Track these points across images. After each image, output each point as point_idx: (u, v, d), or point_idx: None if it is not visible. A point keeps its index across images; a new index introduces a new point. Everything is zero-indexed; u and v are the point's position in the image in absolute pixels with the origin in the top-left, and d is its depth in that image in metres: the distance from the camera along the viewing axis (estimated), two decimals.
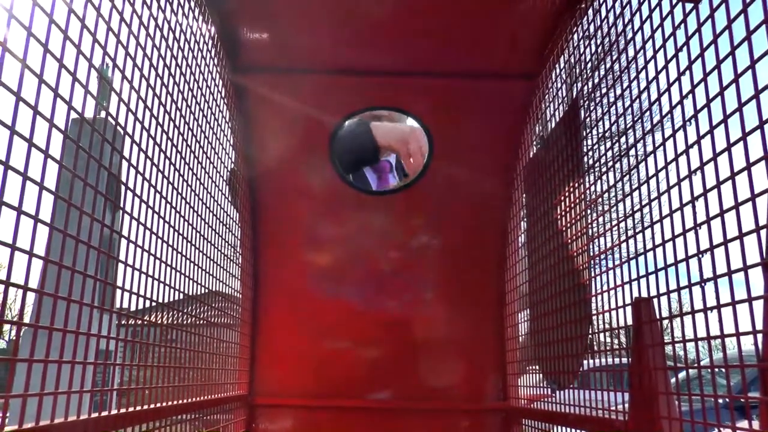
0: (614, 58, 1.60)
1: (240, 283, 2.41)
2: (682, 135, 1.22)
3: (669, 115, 1.26)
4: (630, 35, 1.47)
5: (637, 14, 1.44)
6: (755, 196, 0.99)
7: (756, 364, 0.99)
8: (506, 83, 2.43)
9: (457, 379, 2.55)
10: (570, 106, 1.98)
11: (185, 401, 1.71)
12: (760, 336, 0.99)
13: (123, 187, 1.31)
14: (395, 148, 2.65)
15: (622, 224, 1.55)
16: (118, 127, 1.26)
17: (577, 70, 1.93)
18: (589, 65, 1.82)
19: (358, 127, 2.61)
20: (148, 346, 1.49)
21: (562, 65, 2.10)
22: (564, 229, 1.93)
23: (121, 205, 1.30)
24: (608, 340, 1.74)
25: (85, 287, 1.14)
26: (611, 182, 1.62)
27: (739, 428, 1.02)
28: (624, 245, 1.53)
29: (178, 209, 1.63)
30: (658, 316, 1.38)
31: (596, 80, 1.76)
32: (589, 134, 1.79)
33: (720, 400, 1.15)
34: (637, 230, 1.42)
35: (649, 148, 1.36)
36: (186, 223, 1.71)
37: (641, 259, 1.39)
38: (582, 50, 1.87)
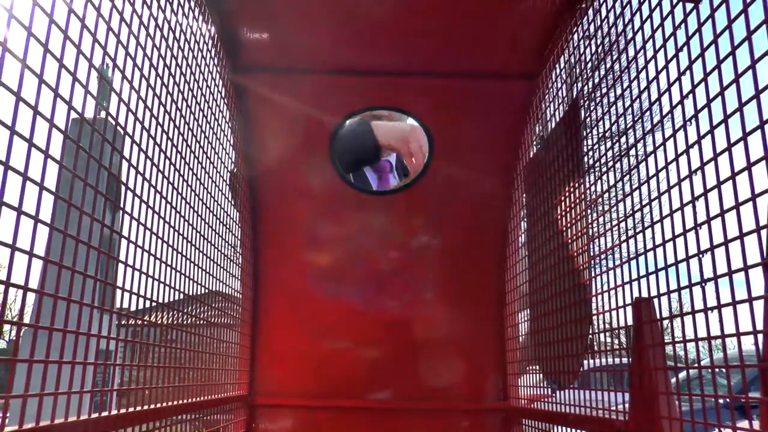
0: (614, 58, 1.60)
1: (240, 283, 2.41)
2: (682, 135, 1.22)
3: (669, 115, 1.26)
4: (630, 35, 1.47)
5: (638, 14, 1.44)
6: (756, 196, 0.99)
7: (756, 365, 0.98)
8: (506, 83, 2.43)
9: (458, 379, 2.55)
10: (570, 106, 1.98)
11: (185, 401, 1.71)
12: (760, 336, 0.99)
13: (123, 188, 1.31)
14: (396, 147, 2.65)
15: (623, 224, 1.55)
16: (118, 127, 1.26)
17: (578, 70, 1.93)
18: (590, 65, 1.82)
19: (359, 127, 2.61)
20: (148, 346, 1.48)
21: (562, 65, 2.10)
22: (564, 229, 1.93)
23: (121, 206, 1.30)
24: (608, 340, 1.74)
25: (85, 287, 1.13)
26: (611, 182, 1.62)
27: (740, 428, 1.02)
28: (624, 245, 1.53)
29: (178, 209, 1.63)
30: (658, 316, 1.38)
31: (596, 80, 1.76)
32: (590, 134, 1.79)
33: (720, 400, 1.15)
34: (637, 230, 1.42)
35: (650, 148, 1.36)
36: (186, 223, 1.71)
37: (641, 259, 1.39)
38: (582, 50, 1.87)
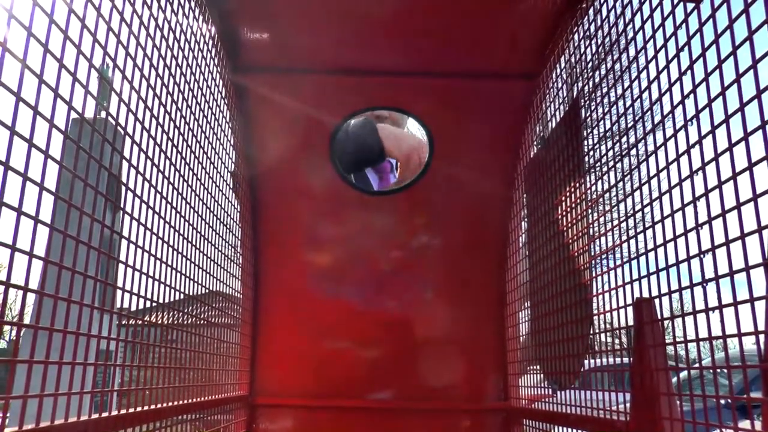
0: (615, 57, 1.60)
1: (240, 283, 2.41)
2: (683, 135, 1.21)
3: (670, 115, 1.26)
4: (631, 35, 1.47)
5: (638, 14, 1.44)
6: (757, 196, 0.98)
7: (757, 365, 0.98)
8: (507, 83, 2.43)
9: (458, 379, 2.55)
10: (571, 105, 1.98)
11: (186, 402, 1.71)
12: (762, 336, 0.99)
13: (123, 188, 1.31)
14: (396, 157, 2.66)
15: (624, 224, 1.55)
16: (119, 128, 1.26)
17: (578, 70, 1.92)
18: (590, 65, 1.82)
19: (363, 128, 2.60)
20: (149, 346, 1.48)
21: (562, 65, 2.10)
22: (565, 229, 1.93)
23: (122, 206, 1.30)
24: (609, 340, 1.73)
25: (86, 288, 1.13)
26: (612, 182, 1.62)
27: (741, 429, 1.02)
28: (625, 245, 1.53)
29: (178, 209, 1.63)
30: (659, 317, 1.38)
31: (597, 80, 1.76)
32: (590, 134, 1.79)
33: (722, 401, 1.15)
34: (638, 230, 1.42)
35: (651, 148, 1.35)
36: (186, 224, 1.71)
37: (642, 259, 1.39)
38: (583, 50, 1.86)
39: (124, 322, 1.33)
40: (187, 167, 1.70)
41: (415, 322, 2.58)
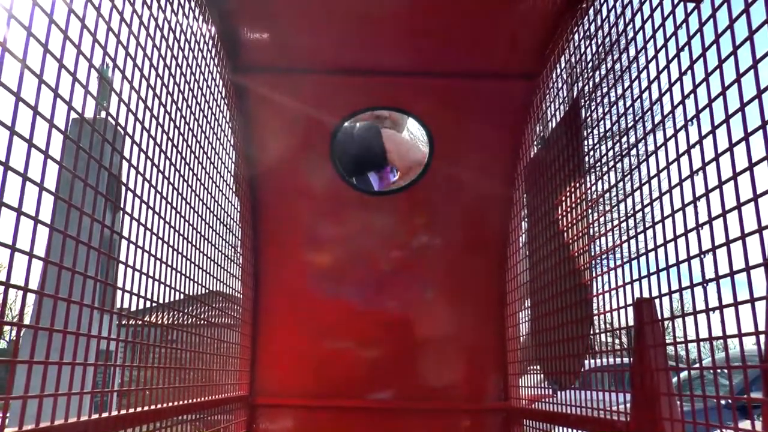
0: (615, 57, 1.59)
1: (240, 283, 2.40)
2: (683, 135, 1.21)
3: (670, 115, 1.26)
4: (631, 35, 1.47)
5: (639, 14, 1.44)
6: (757, 197, 0.98)
7: (758, 365, 0.98)
8: (507, 83, 2.43)
9: (458, 379, 2.55)
10: (571, 105, 1.98)
11: (186, 402, 1.71)
12: (762, 336, 0.99)
13: (123, 188, 1.30)
14: (397, 166, 2.68)
15: (624, 224, 1.55)
16: (119, 128, 1.26)
17: (578, 70, 1.92)
18: (590, 65, 1.81)
19: (369, 131, 2.62)
20: (149, 346, 1.48)
21: (562, 65, 2.10)
22: (565, 229, 1.93)
23: (122, 206, 1.30)
24: (610, 340, 1.73)
25: (86, 288, 1.13)
26: (612, 182, 1.62)
27: (741, 429, 1.02)
28: (625, 245, 1.52)
29: (178, 210, 1.63)
30: (659, 317, 1.38)
31: (597, 80, 1.76)
32: (590, 134, 1.79)
33: (722, 401, 1.15)
34: (638, 230, 1.42)
35: (651, 148, 1.35)
36: (186, 224, 1.71)
37: (643, 259, 1.39)
38: (583, 50, 1.86)
39: (124, 323, 1.33)
40: (187, 167, 1.70)
41: (415, 322, 2.58)
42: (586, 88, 1.85)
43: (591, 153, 1.78)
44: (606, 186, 1.65)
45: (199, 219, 1.83)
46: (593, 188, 1.75)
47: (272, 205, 2.60)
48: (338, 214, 2.61)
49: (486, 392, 2.57)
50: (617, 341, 1.68)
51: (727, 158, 1.06)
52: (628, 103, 1.52)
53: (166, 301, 1.56)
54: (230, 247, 2.22)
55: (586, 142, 1.82)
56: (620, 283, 1.52)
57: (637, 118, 1.47)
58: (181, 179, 1.66)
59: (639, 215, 1.45)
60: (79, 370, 1.13)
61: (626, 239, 1.51)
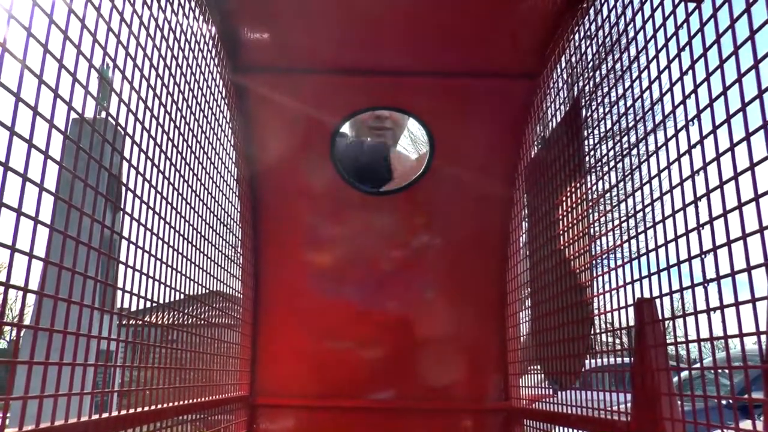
0: (616, 57, 1.59)
1: (241, 284, 2.40)
2: (684, 135, 1.21)
3: (671, 115, 1.26)
4: (632, 35, 1.47)
5: (639, 14, 1.43)
6: (758, 197, 0.98)
7: (759, 365, 0.98)
8: (507, 83, 2.42)
9: (459, 379, 2.55)
10: (571, 105, 1.98)
11: (186, 402, 1.71)
12: (763, 336, 0.99)
13: (123, 188, 1.30)
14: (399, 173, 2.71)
15: (624, 224, 1.54)
16: (119, 128, 1.26)
17: (579, 70, 1.92)
18: (591, 65, 1.81)
19: (375, 147, 2.65)
20: (149, 347, 1.48)
21: (563, 65, 2.09)
22: (565, 229, 1.93)
23: (122, 206, 1.30)
24: (610, 340, 1.73)
25: (86, 288, 1.13)
26: (613, 182, 1.62)
27: (742, 429, 1.02)
28: (626, 245, 1.52)
29: (178, 210, 1.63)
30: (660, 317, 1.38)
31: (598, 80, 1.76)
32: (591, 134, 1.79)
33: (723, 401, 1.15)
34: (639, 230, 1.42)
35: (652, 148, 1.35)
36: (186, 224, 1.71)
37: (644, 259, 1.39)
38: (583, 50, 1.86)
39: (124, 323, 1.33)
40: (187, 167, 1.70)
41: (415, 322, 2.57)
42: (587, 87, 1.85)
43: (592, 153, 1.78)
44: (607, 186, 1.65)
45: (200, 219, 1.83)
46: (594, 188, 1.75)
47: (272, 205, 2.60)
48: (338, 214, 2.61)
49: (486, 392, 2.57)
50: (618, 341, 1.68)
51: (728, 158, 1.06)
52: (629, 103, 1.52)
53: (167, 301, 1.56)
54: (230, 247, 2.22)
55: (586, 142, 1.82)
56: (621, 283, 1.52)
57: (637, 118, 1.47)
58: (182, 179, 1.66)
59: (640, 215, 1.45)
60: (79, 370, 1.13)
61: (627, 239, 1.51)
